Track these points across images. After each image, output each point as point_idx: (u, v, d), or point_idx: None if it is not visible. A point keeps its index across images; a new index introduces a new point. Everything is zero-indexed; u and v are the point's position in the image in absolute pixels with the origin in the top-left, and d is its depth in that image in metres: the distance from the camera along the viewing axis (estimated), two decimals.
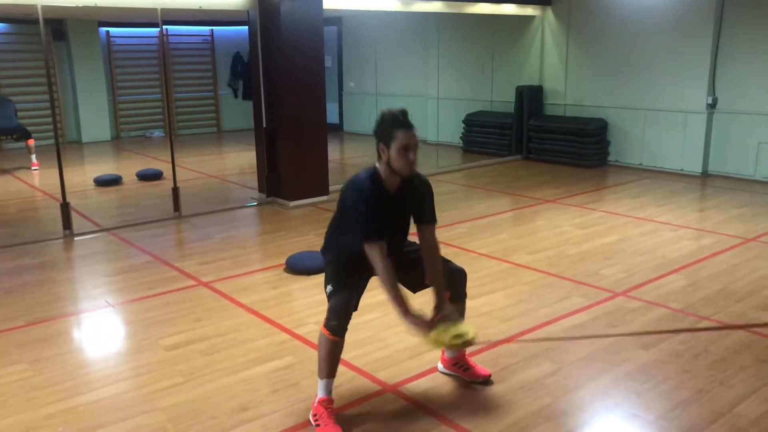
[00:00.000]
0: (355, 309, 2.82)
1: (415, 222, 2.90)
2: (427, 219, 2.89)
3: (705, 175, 8.13)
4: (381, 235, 2.67)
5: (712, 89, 7.97)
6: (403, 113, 2.69)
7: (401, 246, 2.94)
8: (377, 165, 2.76)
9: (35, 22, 5.78)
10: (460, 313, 3.08)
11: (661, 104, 8.38)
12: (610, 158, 9.05)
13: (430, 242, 2.88)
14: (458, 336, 2.69)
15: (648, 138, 8.61)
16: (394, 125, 2.66)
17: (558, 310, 4.01)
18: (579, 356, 3.40)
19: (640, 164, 8.72)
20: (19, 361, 3.44)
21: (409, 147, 2.66)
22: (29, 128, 9.34)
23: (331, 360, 2.74)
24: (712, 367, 3.27)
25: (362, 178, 2.73)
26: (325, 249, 2.94)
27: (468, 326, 2.77)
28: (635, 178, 8.15)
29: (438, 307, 2.80)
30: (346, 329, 2.73)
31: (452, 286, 2.98)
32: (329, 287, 2.81)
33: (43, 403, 3.01)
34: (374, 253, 2.66)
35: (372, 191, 2.69)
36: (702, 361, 3.32)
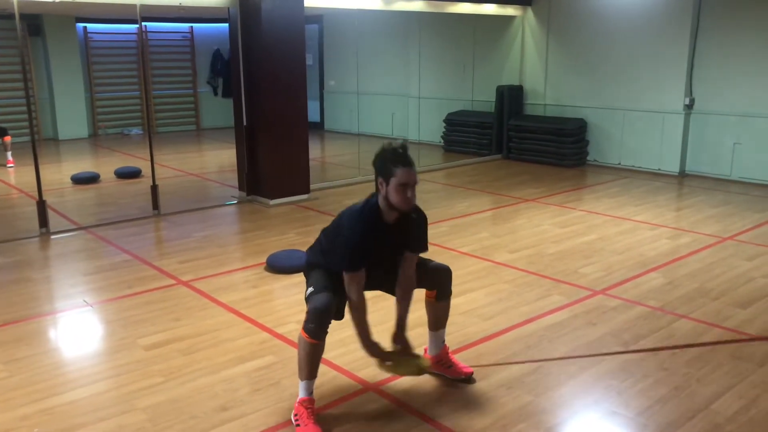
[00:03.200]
0: (340, 318, 2.82)
1: (404, 248, 2.88)
2: (414, 247, 2.89)
3: (682, 175, 8.24)
4: (362, 267, 2.72)
5: (689, 90, 8.07)
6: (404, 148, 2.70)
7: (391, 279, 2.94)
8: (377, 197, 2.76)
9: (11, 17, 5.69)
10: (446, 312, 3.10)
11: (640, 105, 8.47)
12: (589, 158, 9.13)
13: (408, 271, 2.89)
14: (411, 367, 2.90)
15: (626, 138, 8.70)
16: (394, 162, 2.65)
17: (538, 309, 4.04)
18: (559, 354, 3.42)
19: (619, 164, 8.82)
20: None
21: (408, 185, 2.66)
22: (5, 125, 9.20)
23: (310, 362, 2.73)
24: (689, 364, 3.31)
25: (361, 209, 2.75)
26: (308, 266, 2.95)
27: (421, 356, 2.96)
28: (614, 177, 8.24)
29: (396, 337, 2.93)
30: (325, 332, 2.71)
31: (437, 284, 3.00)
32: (309, 289, 2.80)
33: (18, 404, 2.96)
34: (352, 284, 2.72)
35: (369, 223, 2.71)
36: (679, 359, 3.37)
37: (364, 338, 2.81)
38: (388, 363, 2.87)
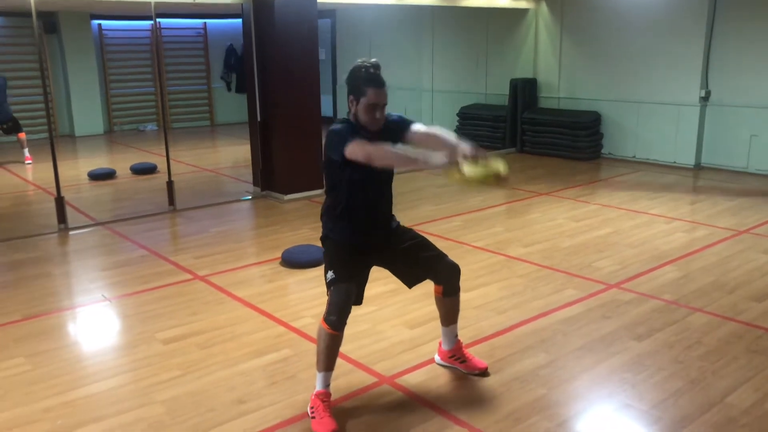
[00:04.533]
0: (359, 303, 2.84)
1: (403, 142, 2.82)
2: (405, 127, 2.82)
3: (698, 168, 8.18)
4: (357, 139, 2.60)
5: (705, 82, 8.00)
6: (376, 67, 2.71)
7: (388, 203, 2.93)
8: (349, 118, 2.78)
9: (27, 14, 5.75)
10: (455, 309, 3.11)
11: (655, 97, 8.41)
12: (603, 151, 9.08)
13: (426, 131, 2.80)
14: (490, 172, 2.48)
15: (641, 131, 8.64)
16: (366, 81, 2.67)
17: (552, 303, 4.04)
18: (573, 347, 3.43)
19: (634, 157, 8.77)
20: (16, 355, 3.45)
21: (377, 106, 2.69)
22: (21, 122, 9.31)
23: (329, 353, 2.76)
24: (704, 357, 3.31)
25: (337, 123, 2.75)
26: (324, 225, 2.92)
27: (497, 160, 2.54)
28: (628, 170, 8.19)
29: (454, 150, 2.52)
30: (345, 323, 2.74)
31: (446, 280, 3.01)
32: (330, 273, 2.78)
33: (41, 397, 3.02)
34: (357, 147, 2.57)
35: (351, 131, 2.68)
36: (694, 352, 3.36)
37: (423, 157, 2.52)
38: (466, 168, 2.44)
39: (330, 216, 2.89)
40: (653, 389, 3.01)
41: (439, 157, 2.48)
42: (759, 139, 7.69)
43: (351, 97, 2.73)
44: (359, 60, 2.75)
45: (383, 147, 2.61)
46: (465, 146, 2.52)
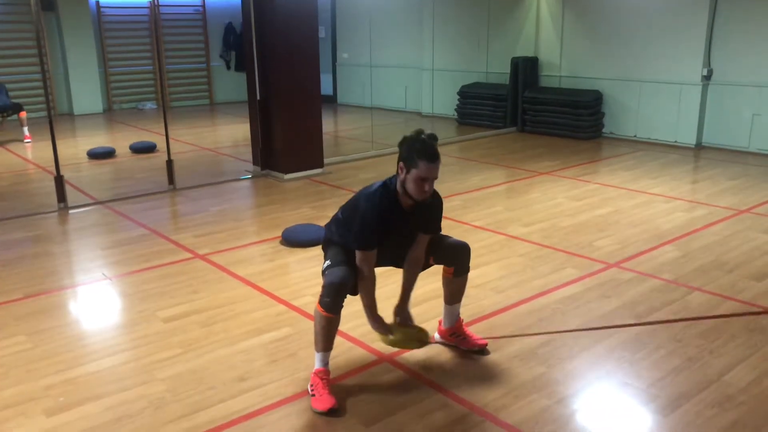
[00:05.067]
0: (355, 293, 2.86)
1: (416, 229, 2.91)
2: (427, 228, 2.91)
3: (699, 147, 8.15)
4: (374, 247, 2.76)
5: (707, 61, 7.95)
6: (433, 139, 2.69)
7: (403, 256, 2.99)
8: (395, 180, 2.78)
9: None
10: (462, 288, 3.13)
11: (656, 76, 8.35)
12: (604, 130, 9.05)
13: (418, 251, 2.94)
14: (412, 341, 2.97)
15: (643, 110, 8.60)
16: (420, 154, 2.64)
17: (552, 282, 4.05)
18: (573, 326, 3.44)
19: (635, 136, 8.73)
20: (17, 333, 3.46)
21: (428, 180, 2.67)
22: (20, 101, 9.27)
23: (326, 335, 2.78)
24: (702, 336, 3.32)
25: (378, 191, 2.77)
26: (326, 242, 3.01)
27: (421, 329, 3.01)
28: (629, 150, 8.17)
29: (399, 310, 2.99)
30: (341, 306, 2.75)
31: (456, 261, 3.02)
32: (327, 263, 2.86)
33: (43, 374, 3.04)
34: (364, 261, 2.78)
35: (385, 205, 2.74)
36: (692, 330, 3.38)
37: (371, 312, 2.91)
38: (391, 337, 2.94)
39: (337, 227, 2.94)
40: (651, 367, 3.03)
41: (375, 326, 2.93)
42: (761, 119, 7.66)
43: (401, 163, 2.70)
44: (417, 129, 2.73)
45: (369, 287, 2.84)
46: (399, 314, 2.99)
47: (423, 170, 2.64)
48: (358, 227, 2.76)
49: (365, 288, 2.85)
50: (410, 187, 2.69)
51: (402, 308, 3.01)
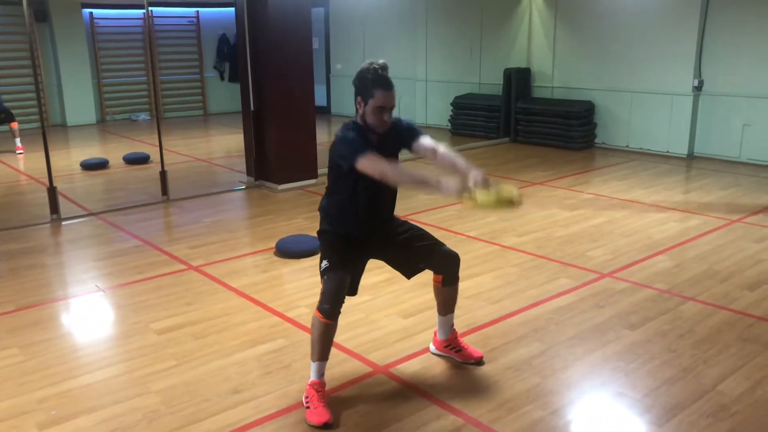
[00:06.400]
0: (353, 293, 2.85)
1: (409, 151, 2.85)
2: (415, 136, 2.82)
3: (691, 157, 8.21)
4: (370, 149, 2.61)
5: (698, 71, 8.01)
6: (384, 68, 2.69)
7: (390, 205, 2.93)
8: (356, 119, 2.77)
9: (18, 2, 5.70)
10: (453, 298, 3.12)
11: (648, 86, 8.42)
12: (597, 140, 9.10)
13: (434, 147, 2.79)
14: (503, 199, 2.51)
15: (634, 120, 8.66)
16: (375, 84, 2.66)
17: (545, 292, 4.06)
18: (567, 336, 3.45)
19: (627, 146, 8.78)
20: (10, 345, 3.44)
21: (385, 108, 2.68)
22: (13, 112, 9.24)
23: (323, 343, 2.76)
24: (696, 346, 3.33)
25: (348, 125, 2.74)
26: (322, 220, 2.92)
27: (511, 188, 2.57)
28: (622, 160, 8.21)
29: (467, 180, 2.55)
30: (339, 313, 2.74)
31: (444, 269, 3.01)
32: (324, 262, 2.79)
33: (35, 387, 3.02)
34: (371, 163, 2.56)
35: (361, 138, 2.69)
36: (687, 341, 3.39)
37: (434, 182, 2.51)
38: (479, 198, 2.48)
39: (329, 212, 2.90)
40: (646, 377, 3.03)
41: (452, 183, 2.51)
42: (751, 129, 7.72)
43: (359, 98, 2.71)
44: (367, 61, 2.73)
45: (398, 167, 2.60)
46: (476, 173, 2.56)
47: (380, 99, 2.65)
48: (345, 146, 2.64)
49: (403, 175, 2.57)
50: (370, 119, 2.69)
51: (469, 178, 2.55)
